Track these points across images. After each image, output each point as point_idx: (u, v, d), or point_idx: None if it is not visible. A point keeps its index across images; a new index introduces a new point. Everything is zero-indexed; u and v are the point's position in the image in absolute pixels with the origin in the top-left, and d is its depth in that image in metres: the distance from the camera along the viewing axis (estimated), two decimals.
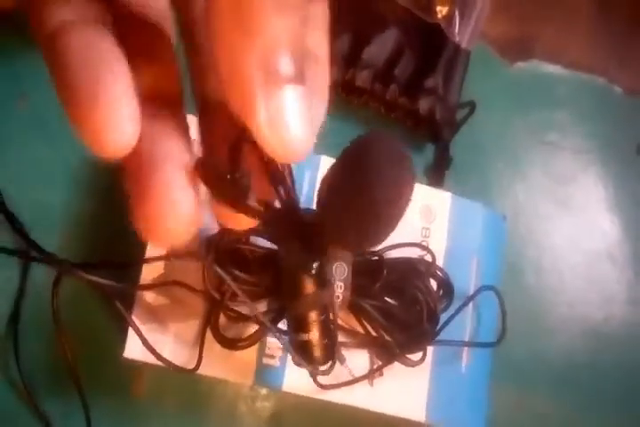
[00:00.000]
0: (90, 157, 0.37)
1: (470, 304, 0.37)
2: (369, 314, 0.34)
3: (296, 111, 0.14)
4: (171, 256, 0.32)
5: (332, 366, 0.30)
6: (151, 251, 0.33)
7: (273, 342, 0.34)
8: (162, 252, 0.33)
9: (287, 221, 0.20)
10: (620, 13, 0.51)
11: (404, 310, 0.34)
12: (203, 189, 0.17)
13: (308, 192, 0.36)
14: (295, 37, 0.14)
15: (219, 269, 0.27)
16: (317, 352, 0.29)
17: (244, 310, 0.33)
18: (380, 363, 0.35)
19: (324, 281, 0.29)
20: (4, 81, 0.37)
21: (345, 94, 0.42)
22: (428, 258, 0.36)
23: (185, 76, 0.18)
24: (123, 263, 0.33)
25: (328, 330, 0.30)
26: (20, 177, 0.36)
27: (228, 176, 0.17)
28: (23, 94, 0.37)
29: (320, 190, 0.20)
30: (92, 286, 0.32)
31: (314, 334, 0.29)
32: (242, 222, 0.19)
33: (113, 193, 0.37)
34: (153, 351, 0.31)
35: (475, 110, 0.43)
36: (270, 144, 0.14)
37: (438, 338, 0.35)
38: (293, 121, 0.14)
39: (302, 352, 0.30)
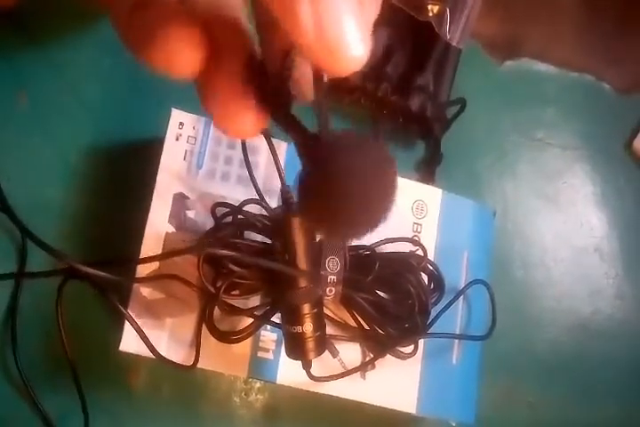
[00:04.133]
0: (89, 152, 0.38)
1: (461, 298, 0.38)
2: (361, 307, 0.34)
3: (347, 11, 0.12)
4: (167, 255, 0.33)
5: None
6: (147, 247, 0.33)
7: (267, 336, 0.35)
8: (158, 246, 0.33)
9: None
10: (608, 12, 0.51)
11: (395, 303, 0.34)
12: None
13: None
14: None
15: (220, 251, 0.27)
16: (310, 344, 0.30)
17: (238, 303, 0.33)
18: (372, 356, 0.35)
19: (317, 275, 0.30)
20: (4, 76, 0.37)
21: (337, 92, 0.42)
22: (420, 252, 0.37)
23: None
24: (120, 260, 0.33)
25: (320, 322, 0.30)
26: (19, 172, 0.36)
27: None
28: (22, 90, 0.37)
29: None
30: (90, 280, 0.32)
31: (307, 327, 0.29)
32: (242, 126, 0.18)
33: (112, 188, 0.38)
34: (152, 348, 0.32)
35: (465, 108, 0.43)
36: (319, 53, 0.13)
37: (429, 331, 0.35)
38: (345, 24, 0.12)
39: (295, 344, 0.30)
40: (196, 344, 0.33)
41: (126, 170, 0.38)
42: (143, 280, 0.32)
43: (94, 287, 0.33)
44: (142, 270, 0.33)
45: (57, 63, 0.38)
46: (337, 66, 0.13)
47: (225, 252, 0.27)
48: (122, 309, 0.32)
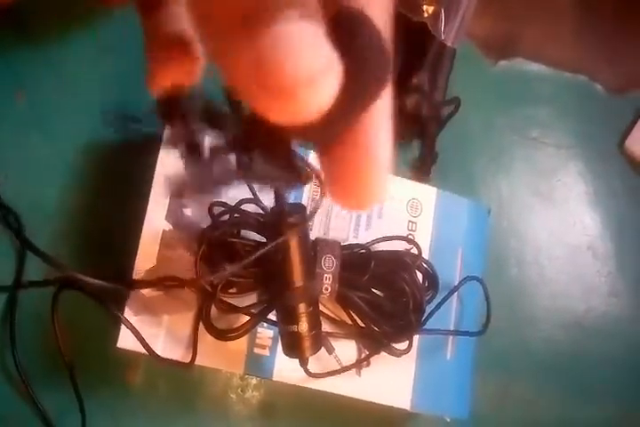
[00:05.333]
0: (87, 151, 0.38)
1: (455, 295, 0.39)
2: (357, 305, 0.35)
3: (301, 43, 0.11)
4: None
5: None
6: (145, 244, 0.33)
7: (263, 333, 0.35)
8: (155, 244, 0.34)
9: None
10: (603, 13, 0.52)
11: (390, 301, 0.35)
12: None
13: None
14: None
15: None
16: (307, 343, 0.30)
17: (235, 301, 0.33)
18: (368, 353, 0.36)
19: (312, 274, 0.30)
20: (2, 75, 0.37)
21: None
22: (415, 251, 0.37)
23: None
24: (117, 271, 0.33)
25: (316, 321, 0.31)
26: (17, 171, 0.36)
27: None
28: (21, 89, 0.37)
29: None
30: (86, 290, 0.33)
31: (303, 326, 0.30)
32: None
33: (109, 187, 0.38)
34: (149, 349, 0.32)
35: (460, 107, 0.44)
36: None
37: (424, 328, 0.36)
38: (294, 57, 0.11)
39: (292, 343, 0.31)
40: (194, 343, 0.33)
41: (124, 168, 0.38)
42: (140, 286, 0.32)
43: (90, 296, 0.33)
44: (139, 269, 0.33)
45: (55, 62, 0.38)
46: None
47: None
48: (118, 314, 0.32)
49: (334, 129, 0.14)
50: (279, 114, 0.11)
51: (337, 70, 0.12)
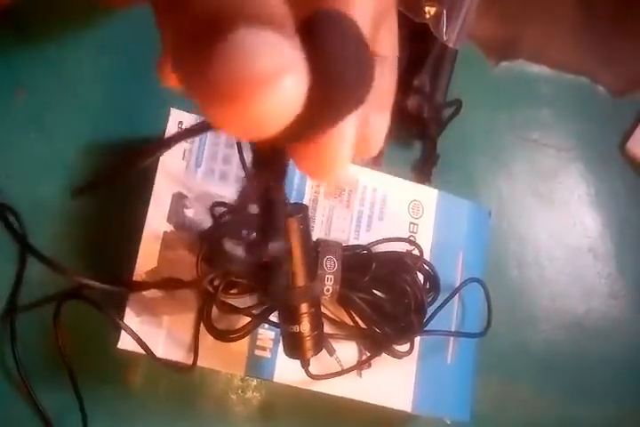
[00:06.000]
0: (87, 151, 0.38)
1: (456, 297, 0.39)
2: (358, 307, 0.34)
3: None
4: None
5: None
6: (146, 245, 0.33)
7: (264, 334, 0.35)
8: (156, 245, 0.33)
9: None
10: (604, 15, 0.52)
11: (392, 302, 0.35)
12: None
13: (299, 186, 0.37)
14: None
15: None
16: (308, 343, 0.30)
17: (236, 302, 0.33)
18: (369, 354, 0.36)
19: (314, 274, 0.30)
20: (2, 75, 0.37)
21: None
22: (416, 252, 0.37)
23: None
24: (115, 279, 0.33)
25: (318, 322, 0.31)
26: (17, 171, 0.36)
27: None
28: (20, 89, 0.37)
29: None
30: (88, 299, 0.33)
31: (305, 326, 0.30)
32: None
33: (110, 187, 0.38)
34: (150, 352, 0.32)
35: (461, 109, 0.44)
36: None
37: (425, 329, 0.36)
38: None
39: (293, 343, 0.31)
40: (195, 345, 0.33)
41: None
42: (141, 287, 0.32)
43: (92, 304, 0.33)
44: (140, 270, 0.33)
45: (55, 62, 0.38)
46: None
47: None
48: (118, 320, 0.32)
49: (303, 137, 0.13)
50: (237, 124, 0.11)
51: (299, 73, 0.11)
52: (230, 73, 0.10)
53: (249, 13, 0.11)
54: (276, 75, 0.11)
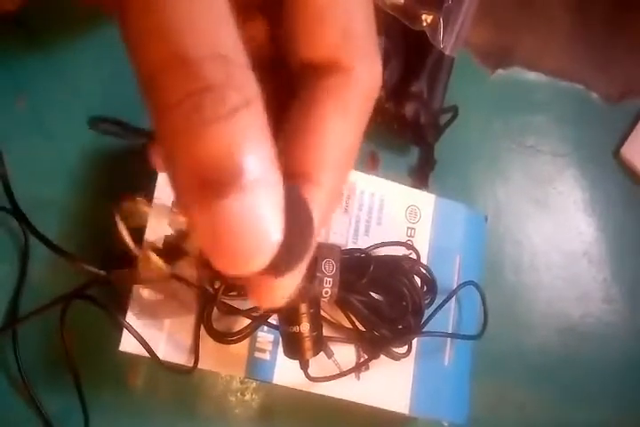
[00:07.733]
0: (89, 153, 0.38)
1: (453, 300, 0.39)
2: (356, 309, 0.35)
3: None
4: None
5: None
6: (146, 247, 0.34)
7: (264, 337, 0.35)
8: (157, 245, 0.34)
9: None
10: (598, 22, 0.53)
11: (389, 305, 0.35)
12: None
13: None
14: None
15: None
16: (308, 344, 0.31)
17: (236, 304, 0.34)
18: (367, 357, 0.36)
19: (313, 276, 0.31)
20: (4, 78, 0.38)
21: None
22: (413, 256, 0.38)
23: None
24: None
25: (317, 322, 0.31)
26: (19, 173, 0.36)
27: None
28: (23, 92, 0.38)
29: None
30: (91, 299, 0.33)
31: (304, 326, 0.30)
32: None
33: (112, 189, 0.38)
34: (152, 353, 0.32)
35: (457, 115, 0.44)
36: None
37: (422, 331, 0.36)
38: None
39: (293, 344, 0.31)
40: (195, 348, 0.33)
41: (126, 171, 0.38)
42: (144, 282, 0.33)
43: (96, 304, 0.33)
44: (142, 271, 0.33)
45: (57, 65, 0.39)
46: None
47: None
48: (123, 320, 0.32)
49: None
50: (227, 269, 0.13)
51: (276, 241, 0.13)
52: (229, 235, 0.12)
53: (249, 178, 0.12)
54: (268, 245, 0.13)
